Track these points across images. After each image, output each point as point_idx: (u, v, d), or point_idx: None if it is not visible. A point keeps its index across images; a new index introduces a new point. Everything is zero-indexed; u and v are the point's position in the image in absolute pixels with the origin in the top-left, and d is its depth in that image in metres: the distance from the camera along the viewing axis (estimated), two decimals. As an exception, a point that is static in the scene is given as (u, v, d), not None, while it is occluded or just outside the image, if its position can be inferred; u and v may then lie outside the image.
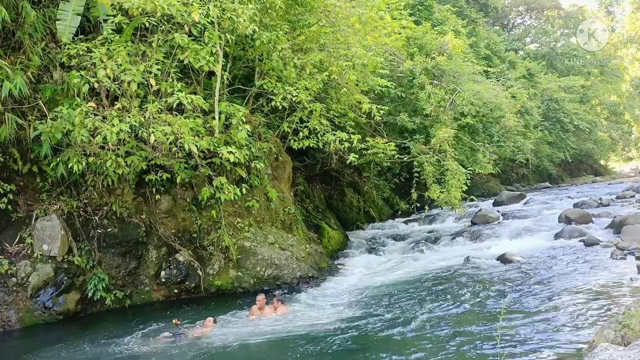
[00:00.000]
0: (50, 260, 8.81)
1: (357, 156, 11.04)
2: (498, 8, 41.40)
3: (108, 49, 8.28)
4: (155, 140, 8.10)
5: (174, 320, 7.72)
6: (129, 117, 8.03)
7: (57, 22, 8.64)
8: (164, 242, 10.04)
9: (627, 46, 48.65)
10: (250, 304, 8.85)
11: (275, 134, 11.84)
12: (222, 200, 9.64)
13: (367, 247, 14.31)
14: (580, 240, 11.91)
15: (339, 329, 7.22)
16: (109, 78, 8.08)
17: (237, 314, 8.58)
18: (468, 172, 14.06)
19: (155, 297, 9.81)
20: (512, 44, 38.62)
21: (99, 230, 9.53)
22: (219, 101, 9.37)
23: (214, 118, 9.26)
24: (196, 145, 8.31)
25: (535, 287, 8.51)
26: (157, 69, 8.42)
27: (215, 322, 7.81)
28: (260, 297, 8.45)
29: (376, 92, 14.37)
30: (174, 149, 8.56)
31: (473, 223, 16.10)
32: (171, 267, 9.93)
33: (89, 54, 8.29)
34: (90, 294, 9.02)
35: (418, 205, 14.18)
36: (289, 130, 11.20)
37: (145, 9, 7.98)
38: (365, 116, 12.84)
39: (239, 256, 10.29)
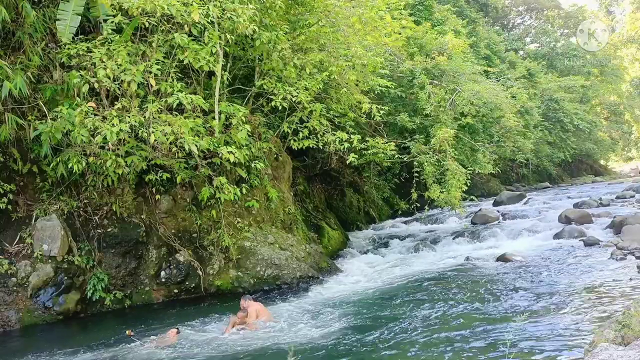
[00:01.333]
0: (50, 260, 8.81)
1: (356, 156, 11.03)
2: (498, 8, 41.44)
3: (108, 49, 8.27)
4: (155, 140, 8.10)
5: (127, 332, 7.17)
6: (129, 117, 8.02)
7: (57, 22, 8.63)
8: (164, 242, 10.03)
9: (627, 46, 48.68)
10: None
11: (275, 134, 11.84)
12: (222, 200, 9.64)
13: (367, 247, 14.32)
14: (580, 240, 11.91)
15: (336, 330, 7.21)
16: (109, 78, 8.07)
17: (216, 319, 8.15)
18: (468, 172, 14.05)
19: (155, 297, 9.80)
20: (512, 44, 38.63)
21: (99, 230, 9.53)
22: (219, 101, 9.37)
23: (214, 118, 9.26)
24: (196, 145, 8.31)
25: (535, 287, 8.51)
26: (157, 69, 8.41)
27: (179, 332, 7.24)
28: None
29: (376, 92, 14.36)
30: (174, 149, 8.55)
31: (473, 223, 16.10)
32: (171, 267, 9.93)
33: (89, 54, 8.28)
34: (89, 294, 9.02)
35: (418, 205, 14.17)
36: (289, 131, 11.20)
37: (145, 9, 7.98)
38: (365, 116, 12.83)
39: (239, 256, 10.29)
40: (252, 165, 10.06)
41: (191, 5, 8.15)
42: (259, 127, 11.17)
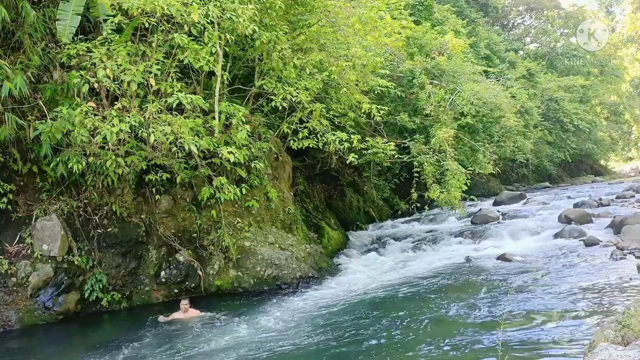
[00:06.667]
0: (50, 260, 8.81)
1: (356, 156, 11.03)
2: (498, 8, 41.43)
3: (108, 49, 8.27)
4: (155, 140, 8.10)
5: None
6: (128, 117, 8.02)
7: (57, 22, 8.63)
8: (164, 242, 10.03)
9: (627, 46, 48.63)
10: (248, 304, 8.83)
11: (275, 134, 11.84)
12: (222, 200, 9.64)
13: (367, 247, 14.31)
14: (580, 240, 11.90)
15: (335, 331, 7.21)
16: (109, 78, 8.07)
17: (217, 319, 8.36)
18: (468, 172, 14.04)
19: (155, 297, 9.80)
20: (512, 44, 38.62)
21: (99, 230, 9.53)
22: (219, 101, 9.37)
23: (213, 118, 9.26)
24: (196, 145, 8.31)
25: (535, 287, 8.51)
26: (157, 69, 8.41)
27: None
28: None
29: (376, 92, 14.37)
30: (174, 149, 8.56)
31: (473, 223, 16.09)
32: (171, 267, 9.93)
33: (89, 54, 8.28)
34: (86, 295, 9.00)
35: (418, 205, 14.17)
36: (289, 131, 11.20)
37: (145, 9, 7.99)
38: (365, 116, 12.83)
39: (239, 256, 10.29)
40: (252, 165, 10.06)
41: (191, 5, 8.16)
42: (259, 127, 11.17)
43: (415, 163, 14.24)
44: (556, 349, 5.66)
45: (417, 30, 18.57)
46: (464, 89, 16.43)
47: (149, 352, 6.89)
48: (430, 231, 15.61)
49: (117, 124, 7.84)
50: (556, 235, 12.87)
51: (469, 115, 16.52)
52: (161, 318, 8.45)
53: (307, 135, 11.00)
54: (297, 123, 11.09)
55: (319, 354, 6.36)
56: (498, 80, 21.41)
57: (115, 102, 8.39)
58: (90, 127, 7.86)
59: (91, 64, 8.25)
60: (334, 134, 10.89)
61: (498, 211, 17.32)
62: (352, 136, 10.73)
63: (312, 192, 15.48)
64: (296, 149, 11.53)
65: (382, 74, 13.77)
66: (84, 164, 8.46)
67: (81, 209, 9.47)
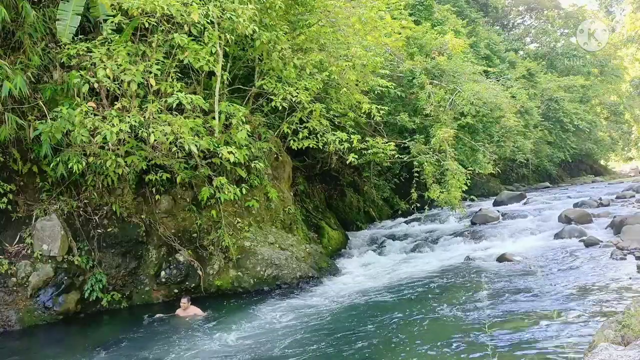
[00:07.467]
0: (50, 260, 8.81)
1: (356, 156, 11.03)
2: (498, 8, 41.45)
3: (108, 49, 8.28)
4: (155, 140, 8.10)
5: None
6: (128, 117, 8.02)
7: (57, 22, 8.63)
8: (164, 242, 10.03)
9: (627, 46, 48.62)
10: (248, 304, 8.83)
11: (275, 134, 11.84)
12: (222, 200, 9.64)
13: (367, 247, 14.31)
14: (580, 240, 11.90)
15: (334, 331, 7.21)
16: (109, 78, 8.07)
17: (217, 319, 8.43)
18: (468, 172, 14.03)
19: (155, 297, 9.80)
20: (512, 44, 38.64)
21: (99, 230, 9.53)
22: (219, 101, 9.37)
23: (213, 118, 9.26)
24: (196, 145, 8.32)
25: (535, 287, 8.51)
26: (157, 69, 8.42)
27: None
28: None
29: (376, 92, 14.37)
30: (174, 149, 8.56)
31: (473, 223, 16.09)
32: (171, 267, 9.93)
33: (89, 54, 8.28)
34: (86, 295, 9.00)
35: (418, 205, 14.17)
36: (289, 131, 11.20)
37: (145, 9, 7.99)
38: (365, 116, 12.82)
39: (239, 256, 10.29)
40: (252, 165, 10.06)
41: (191, 5, 8.16)
42: (259, 127, 11.17)
43: (415, 163, 14.23)
44: (556, 349, 5.66)
45: (417, 30, 18.57)
46: (464, 89, 16.42)
47: (149, 352, 6.89)
48: (430, 231, 15.61)
49: (117, 124, 7.84)
50: (556, 236, 12.86)
51: (469, 115, 16.51)
52: (169, 315, 8.54)
53: (307, 135, 11.00)
54: (297, 123, 11.09)
55: (317, 353, 6.36)
56: (498, 80, 21.39)
57: (115, 102, 8.39)
58: (90, 127, 7.86)
59: (91, 64, 8.25)
60: (334, 134, 10.89)
61: (498, 211, 17.31)
62: (352, 136, 10.74)
63: (312, 192, 15.48)
64: (296, 149, 11.53)
65: (382, 74, 13.77)
66: (84, 164, 8.46)
67: (81, 209, 9.47)
